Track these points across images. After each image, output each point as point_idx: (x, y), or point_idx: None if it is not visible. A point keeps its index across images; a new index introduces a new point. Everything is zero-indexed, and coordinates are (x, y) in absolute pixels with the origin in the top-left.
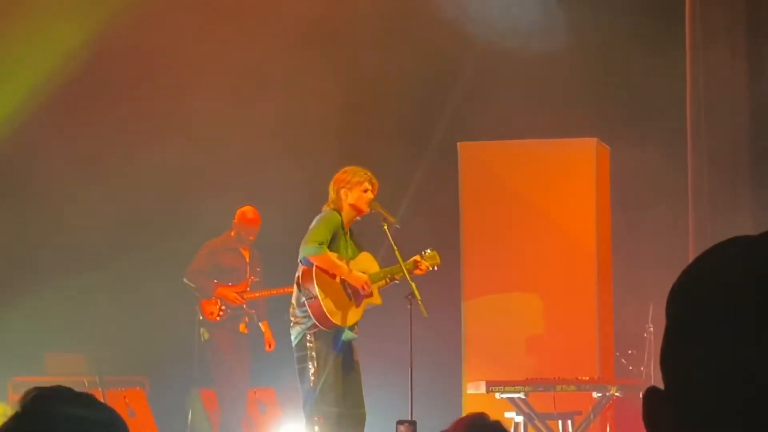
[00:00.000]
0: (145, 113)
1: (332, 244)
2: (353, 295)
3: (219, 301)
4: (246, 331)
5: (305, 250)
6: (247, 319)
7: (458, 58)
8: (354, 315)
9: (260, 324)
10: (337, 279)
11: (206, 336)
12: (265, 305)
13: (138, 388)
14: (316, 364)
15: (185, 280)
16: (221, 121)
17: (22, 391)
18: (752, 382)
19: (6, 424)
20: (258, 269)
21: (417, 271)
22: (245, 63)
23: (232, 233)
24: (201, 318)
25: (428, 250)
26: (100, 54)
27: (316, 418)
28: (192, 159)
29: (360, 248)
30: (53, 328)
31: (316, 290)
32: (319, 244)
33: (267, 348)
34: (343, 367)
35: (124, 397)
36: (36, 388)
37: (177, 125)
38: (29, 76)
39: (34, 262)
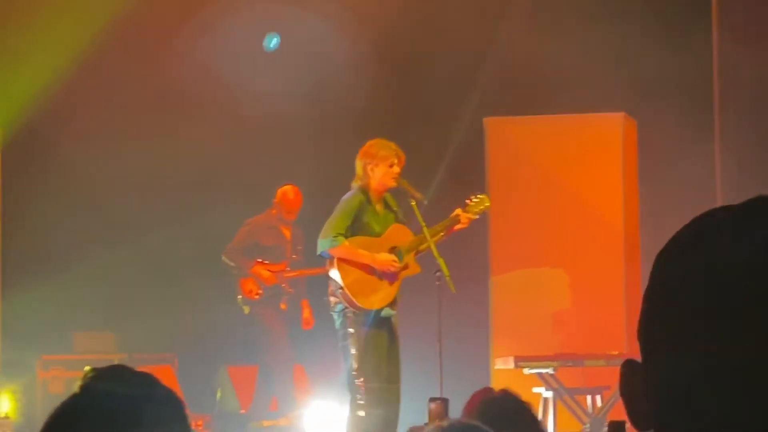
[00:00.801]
0: (180, 87)
1: (358, 224)
2: (385, 274)
3: (256, 279)
4: (285, 308)
5: (321, 245)
6: (286, 297)
7: (485, 34)
8: (388, 294)
9: (300, 302)
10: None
11: (247, 311)
12: (305, 283)
13: (167, 366)
14: (356, 342)
15: (223, 258)
16: (257, 98)
17: (50, 368)
18: (738, 371)
19: (65, 403)
20: (300, 248)
21: (459, 226)
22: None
23: (273, 211)
24: (241, 296)
25: (477, 195)
26: (136, 26)
27: (358, 395)
28: (227, 135)
29: (397, 217)
30: (81, 306)
31: (341, 281)
32: (334, 237)
33: (303, 326)
34: (383, 344)
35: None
36: (95, 368)
37: (214, 99)
38: (62, 48)
39: (63, 240)
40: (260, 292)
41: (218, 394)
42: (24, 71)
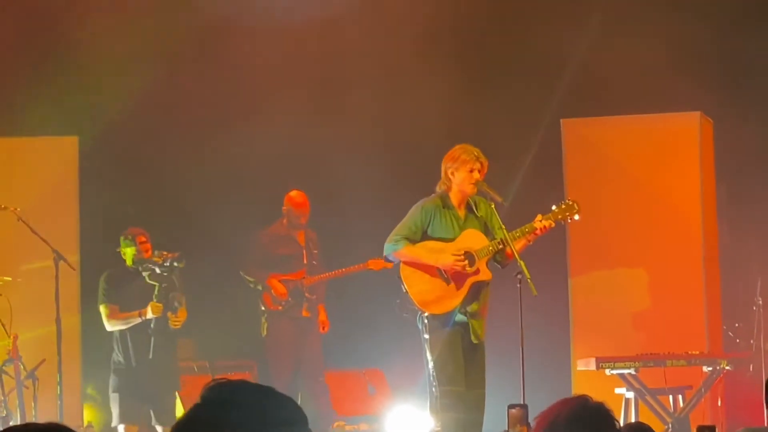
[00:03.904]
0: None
1: (434, 227)
2: (453, 278)
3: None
4: (309, 315)
5: (385, 249)
6: (306, 304)
7: (562, 36)
8: (455, 298)
9: (317, 306)
10: (429, 267)
11: (265, 332)
12: (324, 288)
13: (246, 373)
14: (430, 345)
15: (241, 272)
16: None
17: None
18: None
19: (189, 412)
20: (315, 252)
21: (537, 233)
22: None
23: (284, 220)
24: (263, 308)
25: (567, 200)
26: (204, 36)
27: (434, 399)
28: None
29: (480, 223)
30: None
31: (404, 287)
32: (396, 241)
33: (320, 330)
34: (458, 347)
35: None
36: (216, 380)
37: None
38: (139, 57)
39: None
40: (282, 304)
41: (299, 401)
42: (100, 82)
